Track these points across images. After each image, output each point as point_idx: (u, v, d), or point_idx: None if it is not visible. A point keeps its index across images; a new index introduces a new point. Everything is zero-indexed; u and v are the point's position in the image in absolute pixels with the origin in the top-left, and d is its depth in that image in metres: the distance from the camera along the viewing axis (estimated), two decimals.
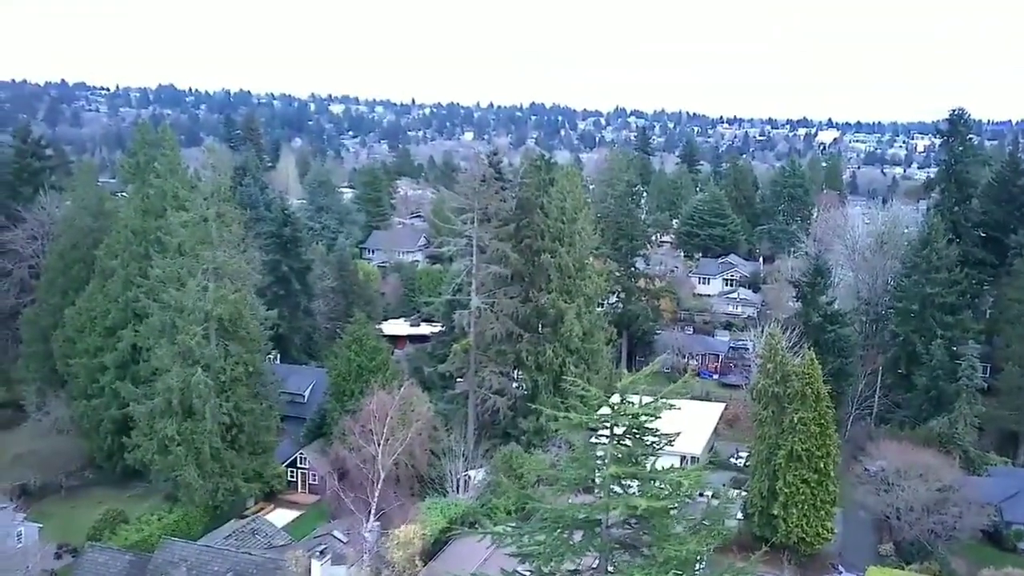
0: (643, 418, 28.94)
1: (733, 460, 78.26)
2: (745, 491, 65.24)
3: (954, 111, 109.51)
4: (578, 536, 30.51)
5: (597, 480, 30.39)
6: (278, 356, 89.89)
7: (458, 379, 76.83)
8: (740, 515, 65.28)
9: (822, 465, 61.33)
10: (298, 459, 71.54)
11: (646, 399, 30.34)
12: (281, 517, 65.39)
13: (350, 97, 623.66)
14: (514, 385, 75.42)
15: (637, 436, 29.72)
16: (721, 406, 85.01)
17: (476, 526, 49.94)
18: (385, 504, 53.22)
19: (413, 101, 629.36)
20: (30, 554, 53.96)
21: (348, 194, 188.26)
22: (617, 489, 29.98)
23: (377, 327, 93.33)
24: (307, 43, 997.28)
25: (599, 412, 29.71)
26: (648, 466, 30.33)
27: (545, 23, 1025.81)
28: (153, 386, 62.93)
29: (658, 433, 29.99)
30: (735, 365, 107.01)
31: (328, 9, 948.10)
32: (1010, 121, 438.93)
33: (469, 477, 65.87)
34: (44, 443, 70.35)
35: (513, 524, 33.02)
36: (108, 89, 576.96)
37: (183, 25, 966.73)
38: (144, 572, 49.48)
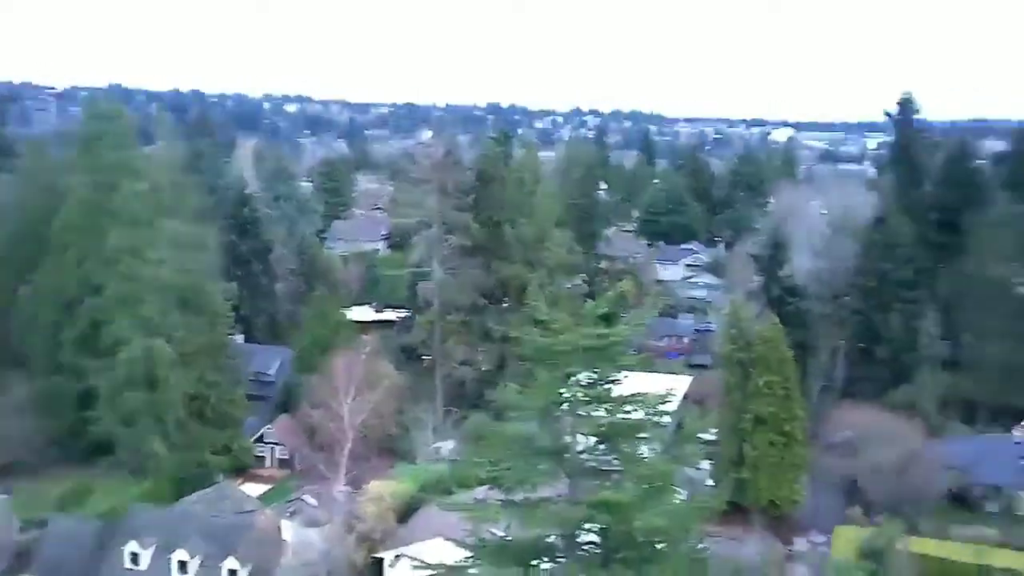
0: (611, 338, 28.90)
1: (702, 435, 78.39)
2: (713, 460, 65.76)
3: (904, 96, 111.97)
4: (545, 463, 30.43)
5: (562, 407, 30.32)
6: (242, 336, 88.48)
7: (424, 355, 76.39)
8: (710, 481, 65.82)
9: (788, 428, 62.10)
10: (266, 434, 70.55)
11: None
12: (251, 491, 64.26)
13: (304, 97, 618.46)
14: (480, 357, 75.10)
15: (603, 361, 29.67)
16: (688, 379, 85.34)
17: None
18: (356, 466, 52.59)
19: (370, 101, 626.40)
20: None
21: (307, 187, 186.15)
22: (583, 414, 30.00)
23: (342, 312, 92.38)
24: (258, 43, 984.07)
25: (564, 336, 29.60)
26: (615, 393, 30.34)
27: (497, 20, 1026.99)
28: (114, 358, 61.54)
29: (627, 356, 30.10)
30: (700, 347, 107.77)
31: (274, 8, 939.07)
32: (954, 122, 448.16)
33: (439, 448, 65.44)
34: (6, 423, 68.28)
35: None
36: (55, 88, 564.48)
37: (130, 23, 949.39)
38: (113, 538, 48.54)
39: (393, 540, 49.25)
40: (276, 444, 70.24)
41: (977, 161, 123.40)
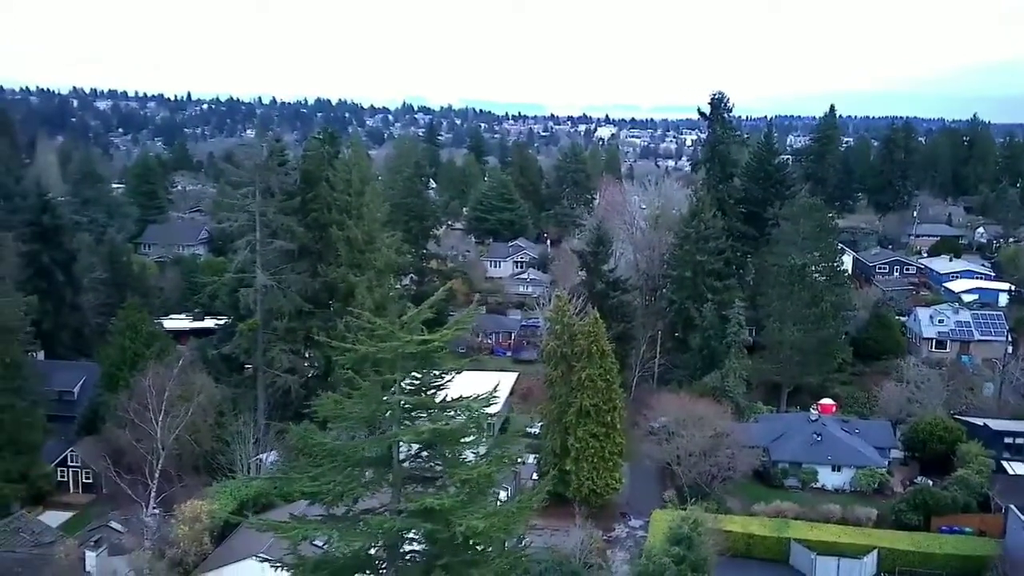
0: (433, 344, 28.98)
1: (528, 429, 79.92)
2: (539, 453, 67.23)
3: (715, 94, 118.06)
4: (369, 473, 30.13)
5: (386, 415, 30.11)
6: (42, 352, 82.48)
7: (246, 364, 73.81)
8: (535, 475, 67.20)
9: (609, 419, 64.10)
10: (68, 457, 65.89)
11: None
12: (52, 519, 59.93)
13: (118, 92, 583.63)
14: (306, 364, 73.34)
15: (426, 366, 29.73)
16: (514, 375, 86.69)
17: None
18: (168, 486, 50.05)
19: (189, 96, 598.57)
20: None
21: (120, 189, 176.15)
22: (407, 422, 29.89)
23: (157, 322, 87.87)
24: (63, 32, 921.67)
25: (387, 344, 29.40)
26: (438, 398, 30.43)
27: (328, 12, 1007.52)
28: None
29: (448, 364, 30.21)
30: (527, 342, 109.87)
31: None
32: (765, 117, 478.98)
33: (261, 460, 63.36)
34: None
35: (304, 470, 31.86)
36: None
37: None
38: None
39: (208, 563, 47.26)
40: (80, 468, 65.83)
41: (781, 157, 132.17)
